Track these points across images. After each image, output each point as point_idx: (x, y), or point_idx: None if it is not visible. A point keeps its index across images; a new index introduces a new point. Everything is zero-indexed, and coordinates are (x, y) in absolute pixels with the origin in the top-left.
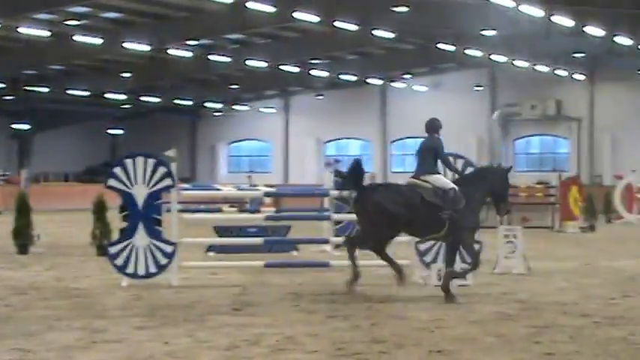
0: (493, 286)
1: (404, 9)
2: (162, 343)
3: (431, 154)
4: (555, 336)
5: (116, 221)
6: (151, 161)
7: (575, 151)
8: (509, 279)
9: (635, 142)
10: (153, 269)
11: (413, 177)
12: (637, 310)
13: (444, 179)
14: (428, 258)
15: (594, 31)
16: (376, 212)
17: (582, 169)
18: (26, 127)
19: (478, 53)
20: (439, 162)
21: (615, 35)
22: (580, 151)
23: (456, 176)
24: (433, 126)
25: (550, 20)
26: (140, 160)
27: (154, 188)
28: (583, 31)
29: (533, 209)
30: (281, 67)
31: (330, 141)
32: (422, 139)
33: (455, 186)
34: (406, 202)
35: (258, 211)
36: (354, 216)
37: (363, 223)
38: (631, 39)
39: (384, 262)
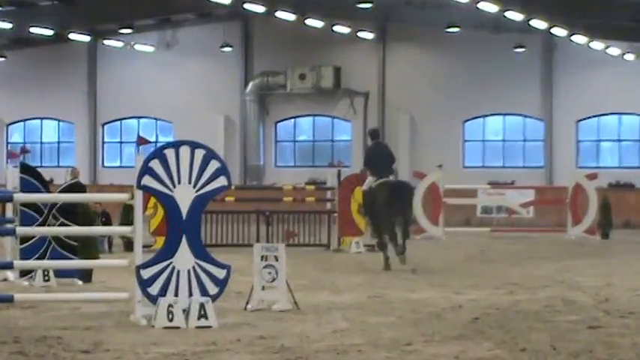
0: (246, 328)
1: None
2: None
3: (390, 158)
4: None
5: None
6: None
7: (359, 139)
8: (268, 317)
9: (442, 126)
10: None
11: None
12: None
13: None
14: (154, 290)
15: None
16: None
17: None
18: None
19: (227, 0)
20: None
21: None
22: (367, 139)
23: None
24: (378, 133)
25: None
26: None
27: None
28: None
29: (302, 220)
30: None
31: (16, 122)
32: (374, 145)
33: None
34: None
35: None
36: (48, 230)
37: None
38: None
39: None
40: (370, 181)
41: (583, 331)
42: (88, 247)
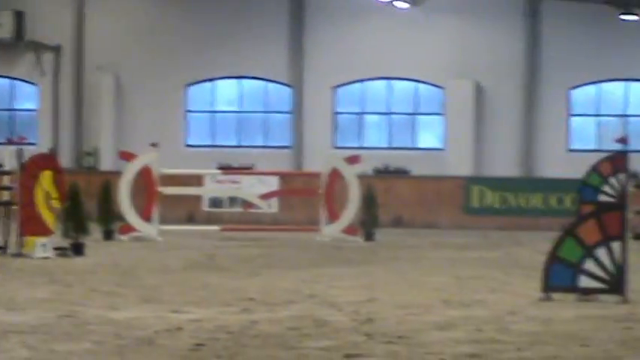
0: None
1: None
2: None
3: None
4: None
5: None
6: None
7: (48, 107)
8: None
9: (159, 92)
10: None
11: None
12: None
13: None
14: None
15: None
16: None
17: (63, 141)
18: None
19: None
20: None
21: None
22: (60, 108)
23: None
24: None
25: None
26: None
27: None
28: None
29: None
30: None
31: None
32: None
33: None
34: None
35: None
36: None
37: None
38: None
39: None
40: None
41: None
42: None
